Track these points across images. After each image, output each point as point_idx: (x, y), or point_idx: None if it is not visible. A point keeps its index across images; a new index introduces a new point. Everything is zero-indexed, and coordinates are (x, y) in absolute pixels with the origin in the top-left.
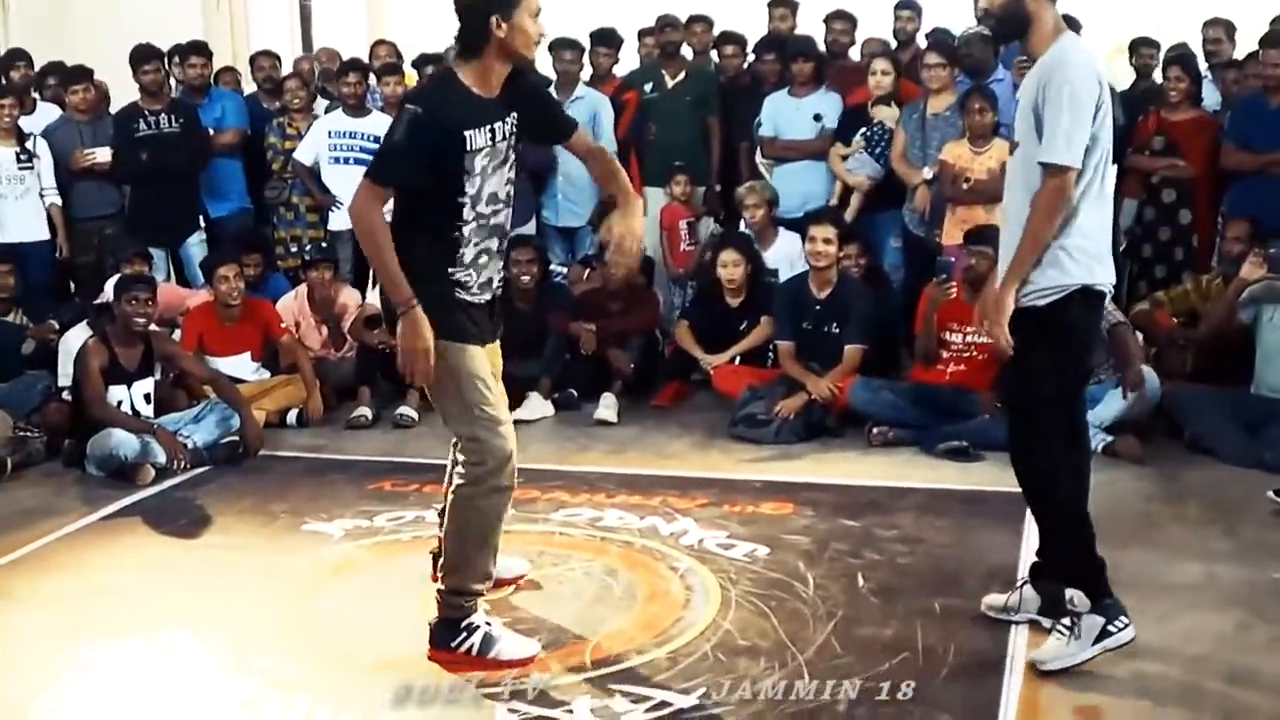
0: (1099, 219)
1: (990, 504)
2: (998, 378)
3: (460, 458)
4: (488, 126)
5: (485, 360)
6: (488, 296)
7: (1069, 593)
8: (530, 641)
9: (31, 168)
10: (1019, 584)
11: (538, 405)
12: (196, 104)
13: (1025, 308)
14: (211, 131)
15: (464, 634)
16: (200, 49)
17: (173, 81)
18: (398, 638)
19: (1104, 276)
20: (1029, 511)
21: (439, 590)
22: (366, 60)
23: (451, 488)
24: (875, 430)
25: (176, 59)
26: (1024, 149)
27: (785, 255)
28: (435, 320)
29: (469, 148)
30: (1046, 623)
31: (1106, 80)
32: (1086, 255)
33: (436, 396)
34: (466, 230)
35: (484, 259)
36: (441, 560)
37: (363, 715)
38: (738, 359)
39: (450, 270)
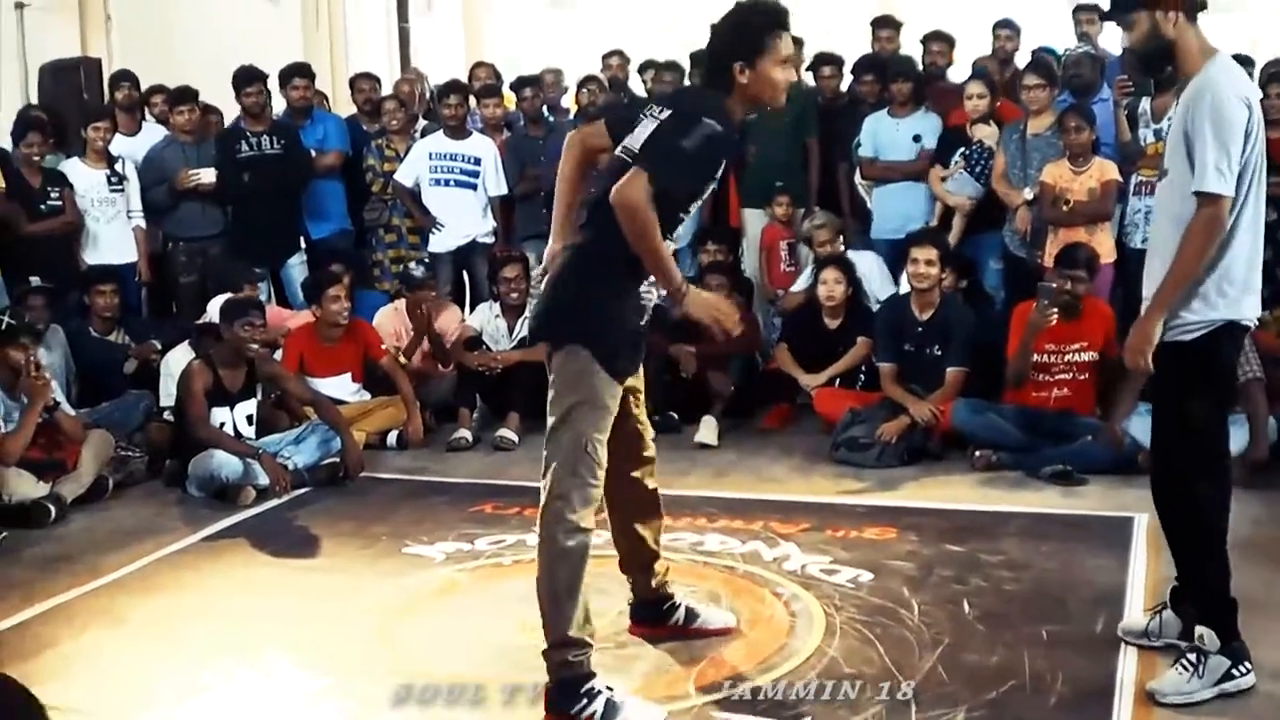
0: (1248, 248)
1: (1095, 528)
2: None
3: (546, 490)
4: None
5: (619, 398)
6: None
7: (1198, 630)
8: (656, 708)
9: (122, 190)
10: (1157, 608)
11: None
12: (299, 126)
13: (1169, 343)
14: (314, 153)
15: (584, 700)
16: (304, 71)
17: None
18: (500, 664)
19: (1250, 310)
20: (1135, 534)
21: (544, 651)
22: (466, 82)
23: (537, 528)
24: (978, 454)
25: (280, 81)
26: (1174, 176)
27: (864, 272)
28: (598, 337)
29: (719, 175)
30: (1187, 647)
31: (1258, 100)
32: (1234, 287)
33: (559, 403)
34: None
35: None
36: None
37: None
38: (838, 381)
39: (640, 287)
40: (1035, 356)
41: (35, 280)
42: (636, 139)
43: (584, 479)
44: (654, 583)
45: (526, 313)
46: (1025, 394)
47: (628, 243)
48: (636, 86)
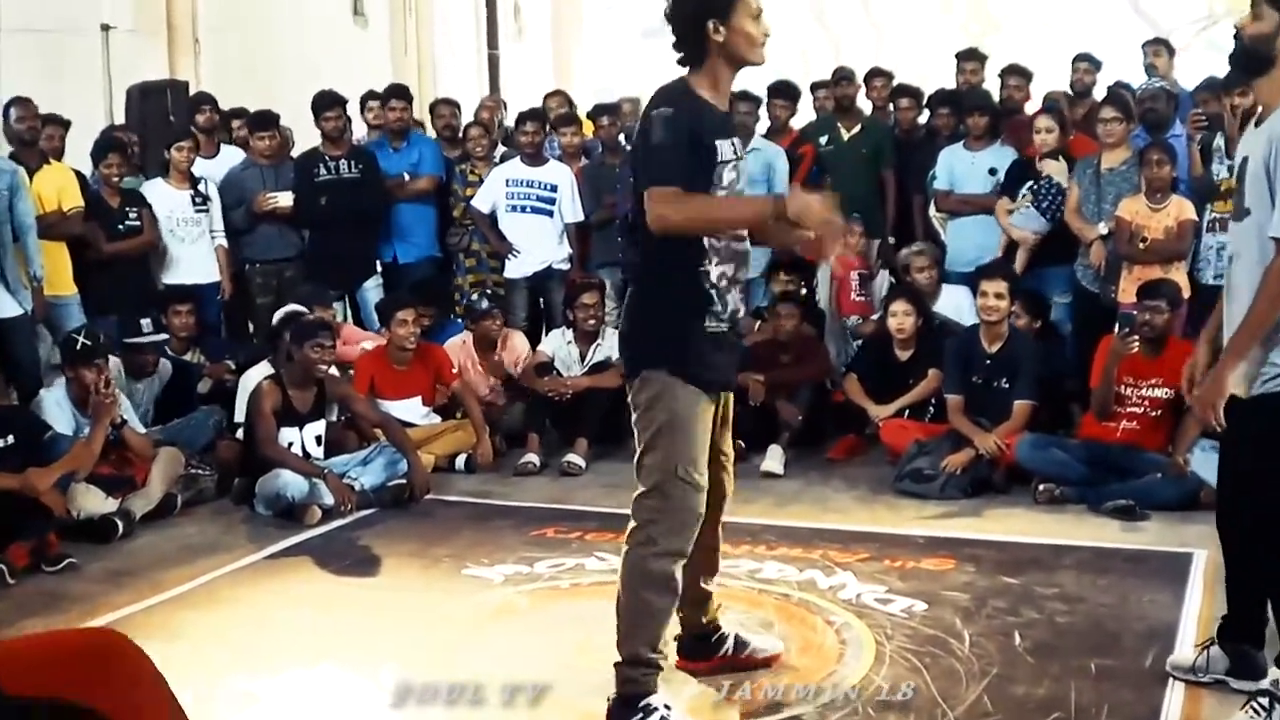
0: None
1: (1153, 564)
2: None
3: (636, 512)
4: (729, 140)
5: (709, 415)
6: (732, 326)
7: (1273, 673)
8: None
9: (206, 210)
10: (1205, 644)
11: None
12: (395, 148)
13: (1255, 395)
14: (408, 176)
15: (641, 715)
16: (401, 93)
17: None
18: (556, 687)
19: None
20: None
21: (616, 664)
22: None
23: (624, 548)
24: (1042, 487)
25: (376, 103)
26: (1256, 215)
27: (954, 306)
28: (671, 353)
29: (718, 158)
30: (1234, 684)
31: None
32: None
33: (642, 433)
34: (711, 250)
35: (724, 283)
36: (616, 625)
37: None
38: (906, 413)
39: (701, 298)
40: None
41: (146, 324)
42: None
43: (674, 501)
44: (705, 618)
45: (600, 340)
46: (1091, 425)
47: (671, 256)
48: None
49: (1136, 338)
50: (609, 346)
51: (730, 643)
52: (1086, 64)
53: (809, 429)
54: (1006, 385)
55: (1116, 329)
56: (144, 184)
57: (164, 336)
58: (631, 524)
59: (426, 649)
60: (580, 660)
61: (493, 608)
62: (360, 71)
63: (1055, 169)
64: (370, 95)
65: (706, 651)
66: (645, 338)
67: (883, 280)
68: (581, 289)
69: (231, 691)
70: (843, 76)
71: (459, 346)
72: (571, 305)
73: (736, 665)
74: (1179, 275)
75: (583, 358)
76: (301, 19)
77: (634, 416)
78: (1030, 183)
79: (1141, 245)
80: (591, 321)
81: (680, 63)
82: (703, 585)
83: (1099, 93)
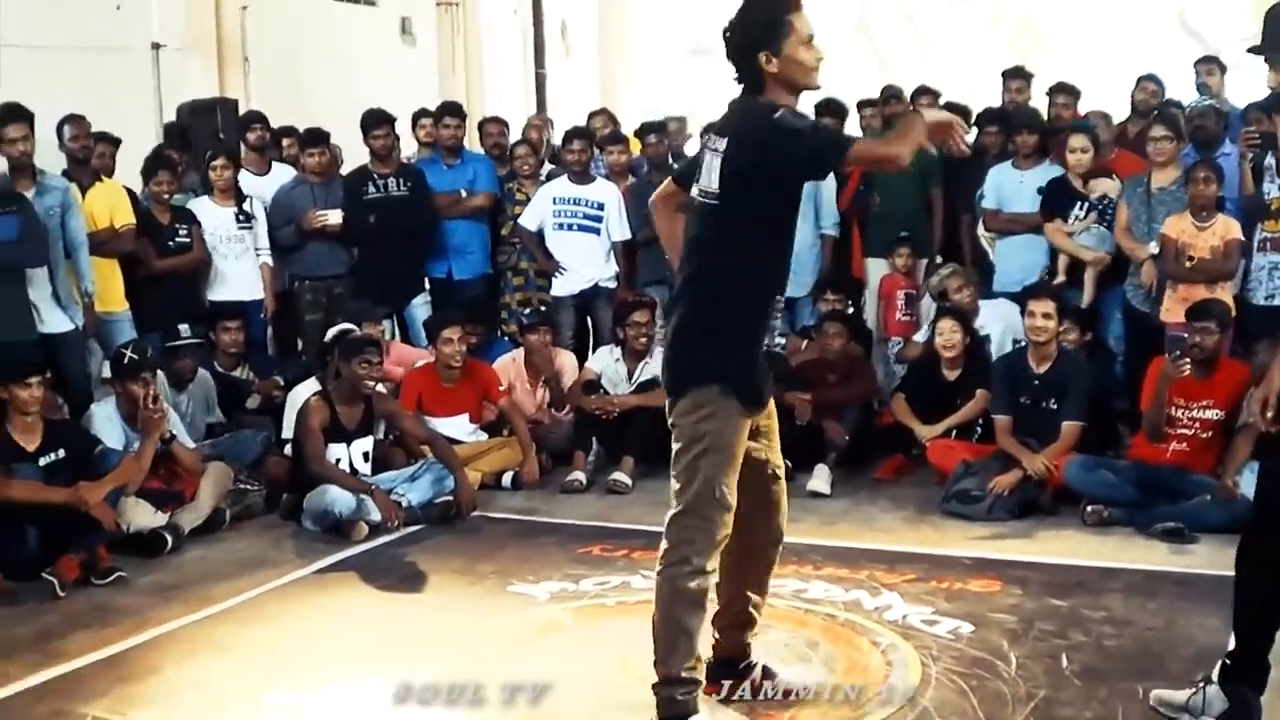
0: None
1: (1202, 587)
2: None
3: (671, 533)
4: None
5: (746, 436)
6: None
7: None
8: None
9: (250, 228)
10: (1200, 682)
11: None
12: (450, 165)
13: None
14: (464, 193)
15: None
16: (456, 110)
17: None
18: (600, 705)
19: None
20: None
21: (654, 685)
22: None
23: (658, 568)
24: (1090, 509)
25: (428, 120)
26: None
27: (995, 318)
28: (731, 371)
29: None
30: None
31: None
32: None
33: (684, 453)
34: (778, 263)
35: (780, 301)
36: (654, 648)
37: None
38: (954, 433)
39: (764, 316)
40: None
41: (185, 329)
42: (709, 178)
43: (711, 522)
44: (745, 642)
45: (648, 358)
46: (1141, 446)
47: (733, 275)
48: None
49: (1188, 361)
50: (657, 365)
51: (757, 672)
52: (1153, 85)
53: (856, 449)
54: (1055, 406)
55: (1167, 352)
56: (191, 201)
57: (200, 340)
58: (665, 545)
59: (471, 665)
60: (623, 678)
61: (538, 625)
62: (408, 90)
63: (1110, 187)
64: (422, 113)
65: (735, 677)
66: (699, 355)
67: (929, 299)
68: (633, 307)
69: (277, 706)
70: (890, 95)
71: (509, 364)
72: (623, 323)
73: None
74: (1225, 295)
75: (631, 375)
76: (350, 38)
77: (675, 435)
78: (1083, 202)
79: (1188, 264)
80: (643, 340)
81: (745, 91)
82: (750, 609)
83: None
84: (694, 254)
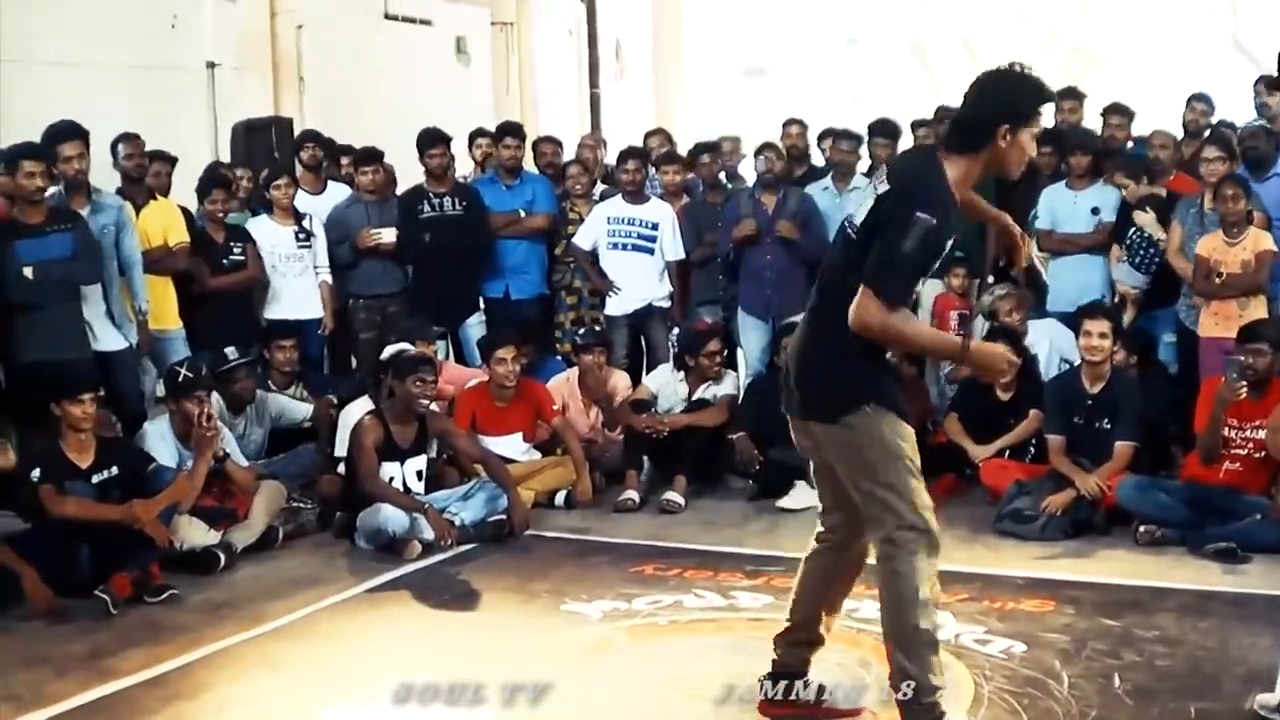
0: None
1: (1255, 607)
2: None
3: (890, 548)
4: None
5: (913, 439)
6: None
7: None
8: None
9: (309, 246)
10: None
11: (804, 495)
12: (508, 185)
13: None
14: (523, 213)
15: None
16: (515, 130)
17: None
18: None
19: None
20: None
21: (907, 702)
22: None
23: (880, 586)
24: (1143, 529)
25: (484, 139)
26: None
27: (1042, 336)
28: (869, 389)
29: (944, 253)
30: None
31: None
32: None
33: (858, 480)
34: None
35: None
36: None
37: None
38: (1007, 453)
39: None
40: None
41: (231, 351)
42: (860, 211)
43: (920, 527)
44: (806, 660)
45: (713, 383)
46: (1194, 466)
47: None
48: (816, 155)
49: (1244, 384)
50: (720, 387)
51: (812, 690)
52: (1203, 105)
53: None
54: (1108, 426)
55: (1224, 374)
56: (249, 220)
57: (251, 360)
58: (888, 564)
59: (524, 684)
60: (676, 696)
61: (591, 644)
62: (462, 109)
63: (1145, 220)
64: (479, 132)
65: (786, 694)
66: (841, 383)
67: (982, 319)
68: (707, 336)
69: None
70: (944, 115)
71: (563, 383)
72: (695, 353)
73: (815, 715)
74: (1259, 310)
75: (690, 395)
76: (404, 57)
77: (839, 459)
78: (1125, 238)
79: (1219, 280)
80: (716, 370)
81: (943, 143)
82: (820, 629)
83: None
84: (821, 285)
